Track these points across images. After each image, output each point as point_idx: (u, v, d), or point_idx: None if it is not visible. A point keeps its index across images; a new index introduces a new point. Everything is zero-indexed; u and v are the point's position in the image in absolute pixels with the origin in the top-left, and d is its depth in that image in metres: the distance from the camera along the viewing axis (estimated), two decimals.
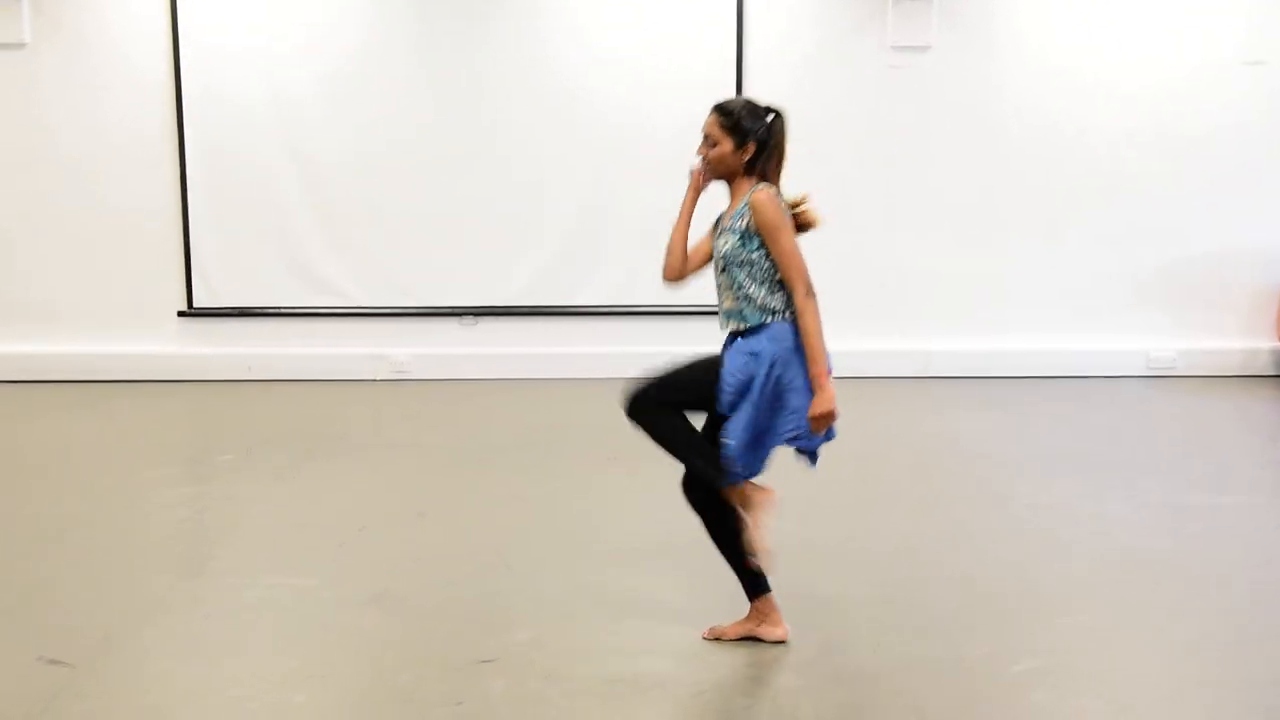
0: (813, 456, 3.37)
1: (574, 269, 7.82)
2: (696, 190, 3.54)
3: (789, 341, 3.27)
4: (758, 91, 7.64)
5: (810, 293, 3.26)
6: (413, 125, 7.71)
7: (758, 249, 3.30)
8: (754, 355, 3.27)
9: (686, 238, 3.55)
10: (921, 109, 7.72)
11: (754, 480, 3.35)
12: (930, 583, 3.96)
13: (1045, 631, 3.55)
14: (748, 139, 3.36)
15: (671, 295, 7.75)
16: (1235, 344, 7.89)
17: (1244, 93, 7.67)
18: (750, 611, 3.52)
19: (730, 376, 3.27)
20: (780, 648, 3.43)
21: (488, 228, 7.77)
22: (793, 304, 3.29)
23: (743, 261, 3.32)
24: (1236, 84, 7.67)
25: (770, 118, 3.39)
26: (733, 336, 3.39)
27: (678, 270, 3.57)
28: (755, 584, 3.50)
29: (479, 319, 7.89)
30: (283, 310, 7.87)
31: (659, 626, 3.60)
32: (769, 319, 3.30)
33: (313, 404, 7.10)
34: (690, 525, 4.59)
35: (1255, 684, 3.21)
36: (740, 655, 3.39)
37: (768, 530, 3.29)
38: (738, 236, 3.32)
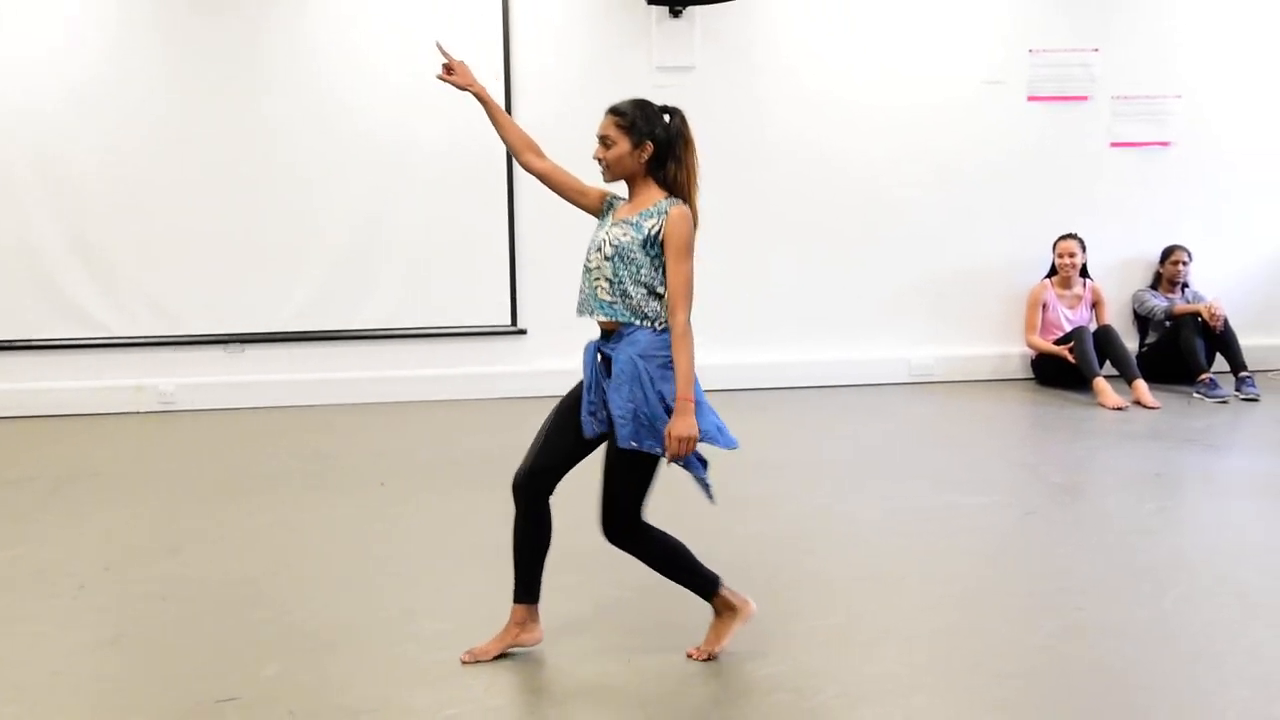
0: (704, 486, 3.40)
1: (346, 292, 7.66)
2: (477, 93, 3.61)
3: (660, 357, 3.27)
4: (526, 110, 7.69)
5: (689, 321, 3.28)
6: (174, 141, 7.41)
7: (656, 256, 3.31)
8: (634, 382, 3.24)
9: (512, 127, 3.63)
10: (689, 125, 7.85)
11: (734, 591, 3.49)
12: (673, 588, 4.02)
13: (791, 635, 3.65)
14: (644, 138, 3.35)
15: (443, 317, 7.79)
16: (989, 350, 8.29)
17: (987, 112, 8.10)
18: (510, 620, 3.50)
19: (620, 413, 3.25)
20: (526, 667, 3.43)
21: (257, 251, 7.54)
22: (663, 317, 3.30)
23: (633, 260, 3.31)
24: (980, 104, 8.09)
25: (667, 118, 3.40)
26: (602, 337, 3.40)
27: (527, 161, 3.61)
28: (529, 590, 3.48)
29: (246, 346, 7.65)
30: (34, 343, 7.46)
31: (417, 653, 3.54)
32: (639, 323, 3.30)
33: (67, 440, 6.74)
34: (455, 549, 4.59)
35: (983, 675, 3.37)
36: (489, 675, 3.36)
37: (730, 638, 3.46)
38: (642, 236, 3.31)
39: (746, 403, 7.35)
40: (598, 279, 3.37)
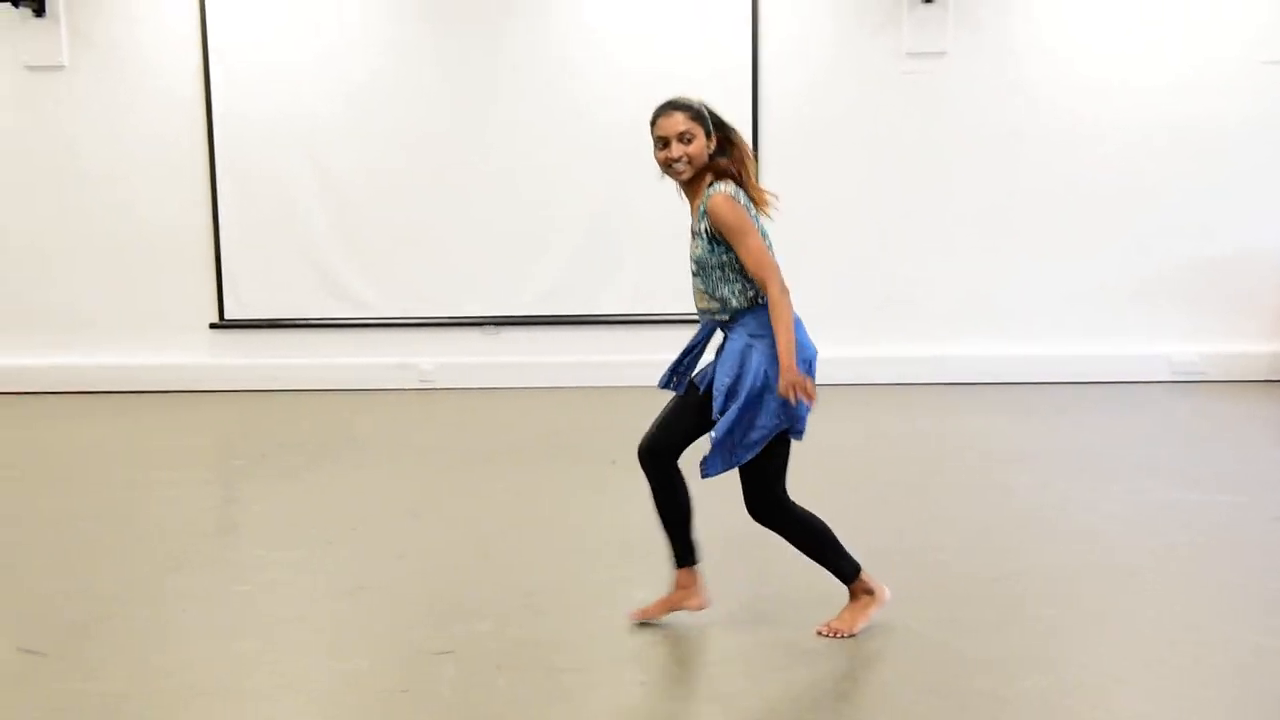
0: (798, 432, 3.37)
1: (591, 277, 7.90)
2: None
3: (770, 334, 3.26)
4: (773, 97, 7.72)
5: (784, 289, 3.24)
6: (432, 138, 7.85)
7: (726, 252, 3.30)
8: (743, 358, 3.28)
9: None
10: (937, 114, 7.71)
11: (871, 577, 3.48)
12: (913, 570, 3.98)
13: (1007, 621, 3.55)
14: (709, 127, 3.37)
15: (680, 304, 7.89)
16: (1261, 347, 7.75)
17: (1261, 91, 7.56)
18: (674, 583, 3.58)
19: (718, 387, 3.31)
20: (734, 641, 3.47)
21: (506, 237, 7.90)
22: (761, 294, 3.29)
23: (714, 265, 3.33)
24: (1253, 82, 7.56)
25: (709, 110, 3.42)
26: (716, 324, 3.44)
27: None
28: (686, 555, 3.56)
29: (500, 328, 8.01)
30: (310, 321, 8.05)
31: (624, 620, 3.65)
32: (747, 306, 3.32)
33: (336, 412, 7.25)
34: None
35: (1198, 671, 3.20)
36: (682, 646, 3.43)
37: (866, 622, 3.46)
38: (706, 241, 3.33)
39: (993, 397, 7.17)
40: (698, 293, 3.41)
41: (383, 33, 7.83)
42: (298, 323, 8.07)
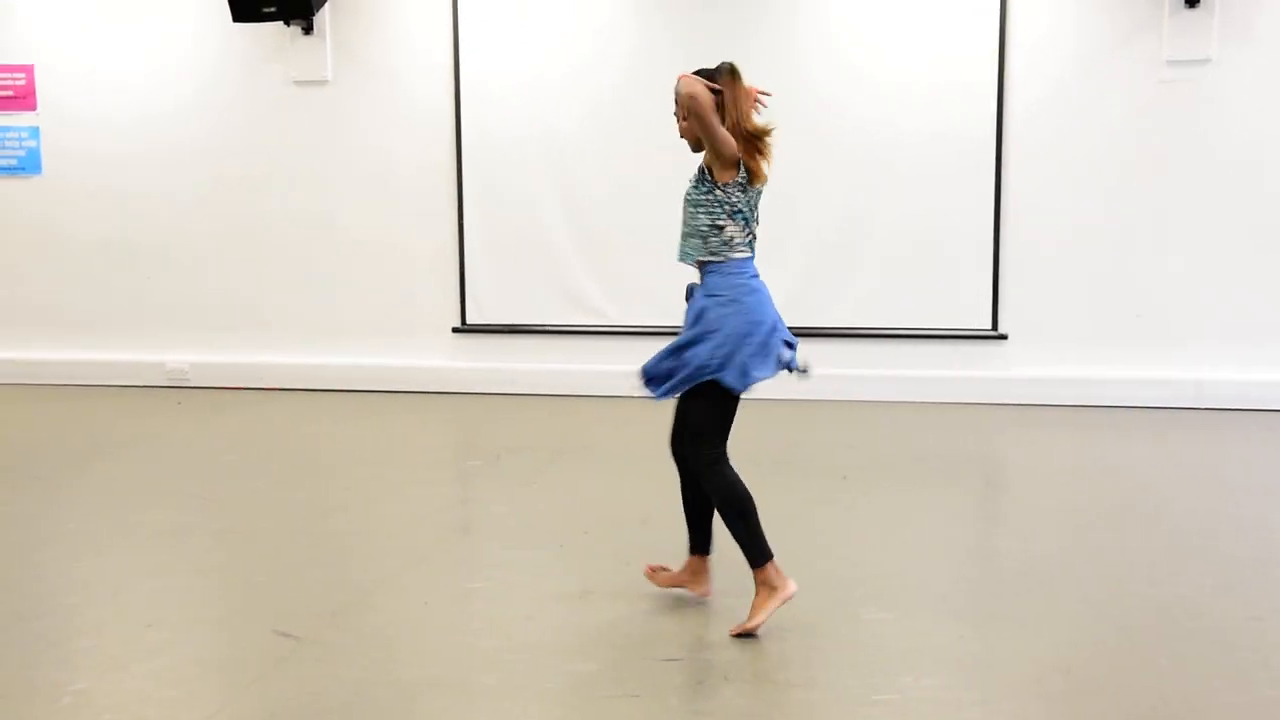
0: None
1: (825, 287, 7.81)
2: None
3: (722, 296, 3.58)
4: (1019, 103, 7.48)
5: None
6: (673, 149, 7.88)
7: (709, 191, 3.62)
8: (701, 311, 3.62)
9: None
10: (1199, 126, 7.28)
11: (779, 569, 3.62)
12: (1157, 606, 3.78)
13: (1266, 667, 3.33)
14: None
15: (919, 318, 7.73)
16: None
17: None
18: (685, 566, 3.90)
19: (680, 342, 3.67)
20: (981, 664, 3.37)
21: None
22: (731, 249, 3.63)
23: (693, 202, 3.67)
24: None
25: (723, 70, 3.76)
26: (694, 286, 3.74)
27: None
28: (703, 544, 3.86)
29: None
30: (546, 328, 8.26)
31: (855, 639, 3.60)
32: (709, 259, 3.64)
33: (568, 417, 7.41)
34: (904, 543, 4.60)
35: None
36: (918, 665, 3.34)
37: (768, 616, 3.58)
38: (696, 174, 3.70)
39: (1254, 424, 6.73)
40: (683, 223, 3.73)
41: (627, 46, 7.95)
42: (534, 329, 8.28)
